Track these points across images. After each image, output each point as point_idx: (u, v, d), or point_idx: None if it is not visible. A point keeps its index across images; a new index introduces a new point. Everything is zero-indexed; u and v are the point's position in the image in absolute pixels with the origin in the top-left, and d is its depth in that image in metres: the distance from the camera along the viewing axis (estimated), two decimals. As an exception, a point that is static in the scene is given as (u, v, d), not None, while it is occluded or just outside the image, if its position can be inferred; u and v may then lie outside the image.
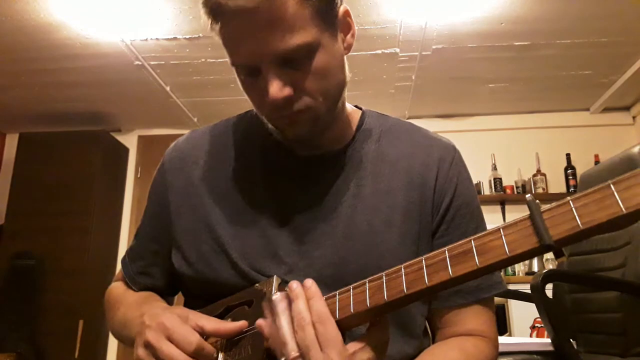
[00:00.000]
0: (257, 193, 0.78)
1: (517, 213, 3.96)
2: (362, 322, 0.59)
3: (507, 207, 3.83)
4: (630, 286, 1.42)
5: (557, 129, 3.95)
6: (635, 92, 3.65)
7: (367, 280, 0.58)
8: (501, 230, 0.51)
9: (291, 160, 0.78)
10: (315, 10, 0.65)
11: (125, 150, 4.24)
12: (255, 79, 0.68)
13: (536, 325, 2.91)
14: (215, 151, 0.83)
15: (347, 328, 0.60)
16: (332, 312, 0.59)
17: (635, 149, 1.55)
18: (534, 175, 3.82)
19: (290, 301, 0.59)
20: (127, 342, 0.79)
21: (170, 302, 0.87)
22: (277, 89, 0.65)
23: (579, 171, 3.68)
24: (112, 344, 3.85)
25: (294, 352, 0.56)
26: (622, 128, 3.92)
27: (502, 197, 3.81)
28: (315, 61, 0.67)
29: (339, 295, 0.60)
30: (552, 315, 1.34)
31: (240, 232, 0.76)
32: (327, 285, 0.67)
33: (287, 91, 0.66)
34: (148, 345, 0.61)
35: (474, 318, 0.76)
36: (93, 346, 3.64)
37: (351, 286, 0.59)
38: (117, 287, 0.91)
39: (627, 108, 3.93)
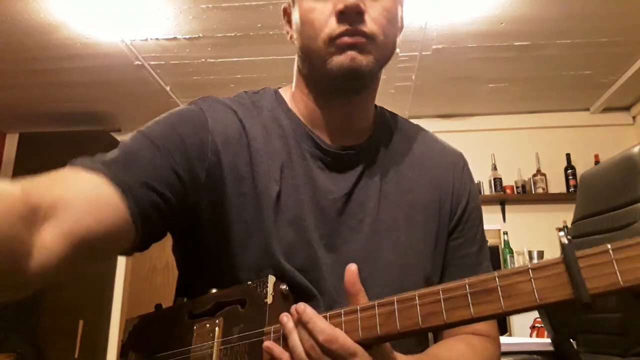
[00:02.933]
0: (294, 177, 0.74)
1: (516, 213, 3.95)
2: (370, 345, 0.57)
3: (507, 207, 3.83)
4: (630, 286, 1.42)
5: (557, 129, 3.95)
6: (635, 92, 3.64)
7: (375, 303, 0.55)
8: (530, 272, 0.47)
9: (325, 152, 0.76)
10: None
11: (125, 150, 4.23)
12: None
13: (536, 325, 2.91)
14: (252, 123, 0.75)
15: None
16: None
17: (635, 149, 1.54)
18: (534, 175, 3.82)
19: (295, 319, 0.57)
20: None
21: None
22: None
23: (579, 171, 3.67)
24: (112, 344, 3.85)
25: None
26: (622, 128, 3.92)
27: (502, 197, 3.81)
28: (388, 1, 0.71)
29: (344, 316, 0.57)
30: (552, 315, 1.34)
31: (280, 216, 0.71)
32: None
33: (363, 6, 0.67)
34: None
35: None
36: (93, 346, 3.63)
37: (358, 307, 0.56)
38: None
39: (627, 108, 3.93)
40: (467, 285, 0.50)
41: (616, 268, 0.42)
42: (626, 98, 3.76)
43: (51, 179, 0.59)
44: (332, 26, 0.68)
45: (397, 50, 0.81)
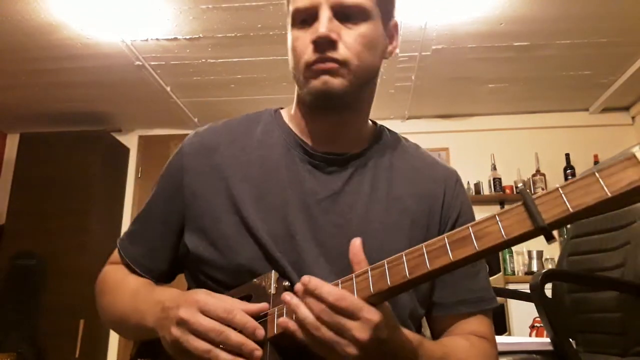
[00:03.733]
0: (280, 180, 0.80)
1: (516, 213, 3.97)
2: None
3: (506, 207, 3.82)
4: (630, 286, 1.43)
5: (556, 129, 3.95)
6: (635, 92, 3.65)
7: (369, 268, 0.61)
8: (496, 216, 0.55)
9: (312, 156, 0.82)
10: None
11: (126, 150, 4.25)
12: (307, 28, 0.77)
13: (536, 324, 2.92)
14: (237, 139, 0.84)
15: None
16: None
17: (635, 149, 1.55)
18: (534, 175, 3.82)
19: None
20: (129, 330, 0.80)
21: None
22: (328, 27, 0.74)
23: (579, 171, 3.68)
24: (113, 344, 3.86)
25: (328, 333, 0.57)
26: (622, 128, 3.93)
27: (502, 197, 3.82)
28: (363, 27, 0.77)
29: (341, 283, 0.62)
30: (551, 315, 1.35)
31: (265, 215, 0.77)
32: (339, 276, 0.70)
33: (335, 35, 0.74)
34: (182, 322, 0.62)
35: (477, 325, 0.81)
36: (93, 346, 3.64)
37: (353, 274, 0.61)
38: (114, 271, 0.88)
39: (626, 108, 3.94)
40: (445, 238, 0.57)
41: (565, 199, 0.50)
42: (625, 98, 3.77)
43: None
44: (309, 54, 0.75)
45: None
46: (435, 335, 0.83)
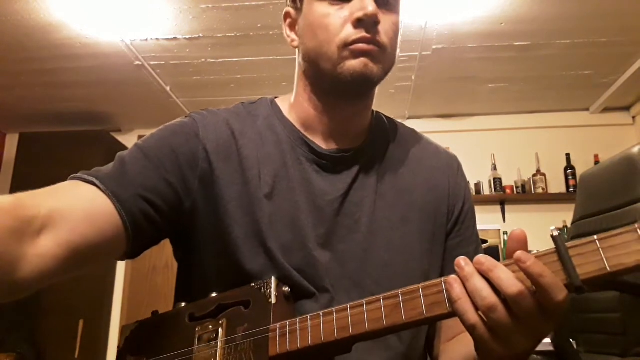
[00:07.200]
0: (289, 182, 0.76)
1: (516, 213, 3.94)
2: (376, 337, 0.59)
3: (506, 207, 3.83)
4: (630, 286, 1.42)
5: (557, 129, 3.95)
6: (635, 92, 3.64)
7: (381, 296, 0.57)
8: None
9: (319, 155, 0.78)
10: None
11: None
12: (341, 4, 0.71)
13: (536, 325, 2.91)
14: (246, 132, 0.78)
15: (358, 341, 0.59)
16: (345, 327, 0.58)
17: (635, 149, 1.54)
18: (534, 175, 3.82)
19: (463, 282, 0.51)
20: None
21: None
22: (375, 6, 0.69)
23: (579, 171, 3.67)
24: (113, 343, 3.85)
25: (485, 335, 0.49)
26: (622, 128, 3.92)
27: (502, 197, 3.81)
28: (395, 17, 0.75)
29: (350, 309, 0.58)
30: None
31: (275, 219, 0.73)
32: (352, 279, 0.68)
33: (380, 16, 0.71)
34: None
35: None
36: (93, 346, 3.63)
37: (364, 301, 0.58)
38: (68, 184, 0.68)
39: (627, 108, 3.93)
40: None
41: (603, 255, 0.46)
42: (626, 98, 3.77)
43: (49, 191, 0.64)
44: (349, 32, 0.70)
45: (397, 50, 0.83)
46: (433, 331, 0.81)
